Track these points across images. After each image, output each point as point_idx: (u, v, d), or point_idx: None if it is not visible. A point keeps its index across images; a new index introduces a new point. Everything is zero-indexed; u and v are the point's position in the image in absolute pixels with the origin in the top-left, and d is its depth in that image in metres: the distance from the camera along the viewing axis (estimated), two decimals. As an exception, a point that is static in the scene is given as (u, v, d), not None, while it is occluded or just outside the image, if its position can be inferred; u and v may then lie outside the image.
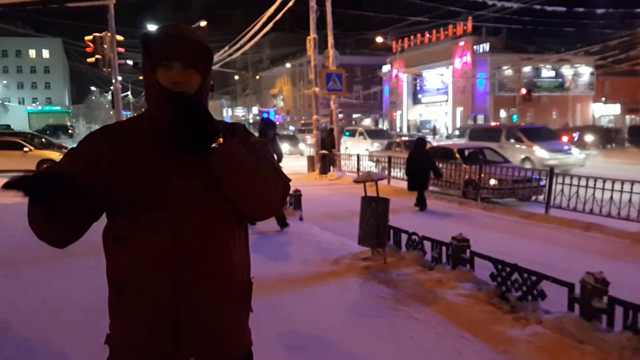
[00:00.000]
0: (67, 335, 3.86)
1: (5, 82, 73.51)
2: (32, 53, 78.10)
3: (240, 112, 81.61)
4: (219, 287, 1.50)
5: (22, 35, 63.61)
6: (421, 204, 10.29)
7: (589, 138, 26.98)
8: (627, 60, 34.95)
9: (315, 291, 5.01)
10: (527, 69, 41.62)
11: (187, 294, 1.45)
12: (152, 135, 1.47)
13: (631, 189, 8.06)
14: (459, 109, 44.67)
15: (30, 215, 1.38)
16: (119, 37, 17.72)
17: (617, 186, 8.32)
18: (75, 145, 1.58)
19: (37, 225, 1.40)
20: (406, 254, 5.77)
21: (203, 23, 25.98)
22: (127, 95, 65.89)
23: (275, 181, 1.51)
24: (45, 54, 78.67)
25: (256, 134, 2.16)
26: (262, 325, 3.50)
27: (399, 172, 13.79)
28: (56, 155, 16.17)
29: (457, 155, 12.39)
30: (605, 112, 47.80)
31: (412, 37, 47.49)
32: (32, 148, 16.58)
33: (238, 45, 23.72)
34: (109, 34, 17.22)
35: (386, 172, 14.45)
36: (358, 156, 16.71)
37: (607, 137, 30.30)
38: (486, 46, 41.88)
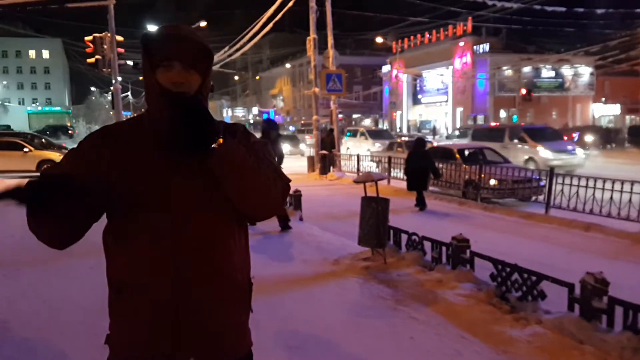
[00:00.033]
0: (67, 336, 3.86)
1: (5, 82, 73.52)
2: (32, 53, 78.11)
3: (240, 112, 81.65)
4: (219, 287, 1.50)
5: (22, 35, 63.63)
6: (421, 203, 10.31)
7: (588, 138, 26.98)
8: (627, 61, 34.98)
9: (315, 291, 5.02)
10: (527, 69, 41.62)
11: (187, 294, 1.45)
12: (152, 135, 1.47)
13: (631, 189, 8.06)
14: (459, 109, 44.68)
15: (29, 219, 1.38)
16: (119, 38, 17.72)
17: (617, 186, 8.32)
18: (75, 145, 1.59)
19: (37, 228, 1.40)
20: (406, 254, 5.78)
21: (203, 23, 25.98)
22: (127, 95, 65.93)
23: (275, 181, 1.51)
24: (45, 54, 78.68)
25: (258, 135, 2.16)
26: (262, 325, 3.50)
27: (399, 173, 13.79)
28: (56, 156, 16.16)
29: (457, 156, 12.40)
30: (605, 112, 47.81)
31: (412, 37, 47.51)
32: (32, 148, 16.57)
33: (238, 45, 23.74)
34: (109, 35, 17.23)
35: (387, 172, 14.46)
36: (358, 156, 16.71)
37: (607, 137, 30.31)
38: (486, 46, 41.88)
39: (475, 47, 42.30)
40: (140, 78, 30.34)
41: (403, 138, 23.65)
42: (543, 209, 9.49)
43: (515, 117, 39.87)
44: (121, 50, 18.22)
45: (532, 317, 3.99)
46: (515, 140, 17.23)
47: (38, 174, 1.61)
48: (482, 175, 11.08)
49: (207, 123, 1.38)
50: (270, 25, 19.01)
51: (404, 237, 5.98)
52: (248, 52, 31.92)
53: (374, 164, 16.58)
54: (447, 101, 46.21)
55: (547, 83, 43.28)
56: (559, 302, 4.03)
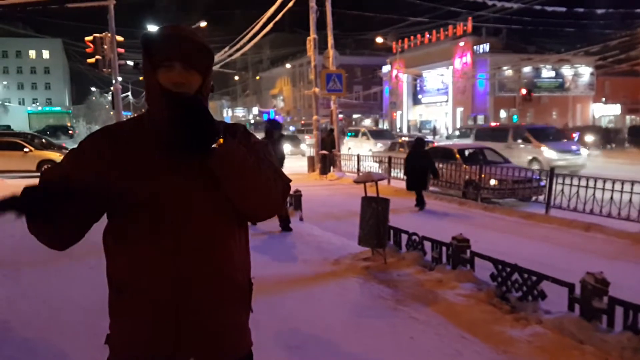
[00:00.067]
0: (67, 336, 3.87)
1: (5, 82, 73.54)
2: (32, 54, 78.13)
3: (240, 112, 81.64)
4: (219, 287, 1.50)
5: (23, 35, 63.63)
6: (420, 203, 10.33)
7: (589, 138, 26.98)
8: (627, 61, 34.98)
9: (315, 291, 5.02)
10: (527, 69, 41.60)
11: (187, 294, 1.45)
12: (153, 135, 1.48)
13: (631, 189, 8.06)
14: (459, 110, 44.67)
15: (29, 224, 1.38)
16: (119, 38, 17.73)
17: (617, 186, 8.32)
18: (75, 145, 1.59)
19: (37, 231, 1.39)
20: (406, 254, 5.78)
21: (203, 23, 26.00)
22: (128, 95, 65.93)
23: (276, 182, 1.51)
24: (46, 54, 78.71)
25: (260, 135, 2.15)
26: (262, 325, 3.50)
27: (399, 173, 13.78)
28: (56, 156, 16.17)
29: (457, 156, 12.40)
30: (606, 112, 47.79)
31: (412, 37, 47.49)
32: (32, 149, 16.58)
33: (238, 45, 23.76)
34: (109, 35, 17.24)
35: (388, 172, 14.45)
36: (358, 156, 16.71)
37: (607, 137, 30.28)
38: (486, 46, 41.87)
39: (475, 47, 42.29)
40: (141, 78, 30.34)
41: (404, 138, 23.65)
42: (543, 209, 9.49)
43: (515, 117, 39.84)
44: (121, 50, 18.23)
45: (533, 317, 3.99)
46: (519, 141, 17.14)
47: (38, 174, 1.60)
48: (483, 175, 11.08)
49: (207, 123, 1.38)
50: (271, 25, 19.02)
51: (404, 237, 5.98)
52: (248, 52, 31.92)
53: (376, 165, 16.56)
54: (447, 101, 46.19)
55: (547, 83, 43.27)
56: (559, 302, 4.03)
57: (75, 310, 4.38)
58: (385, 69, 52.21)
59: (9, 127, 42.61)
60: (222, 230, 1.51)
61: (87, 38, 17.01)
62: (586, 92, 44.43)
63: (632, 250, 7.06)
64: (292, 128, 46.32)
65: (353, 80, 51.95)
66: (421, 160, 10.33)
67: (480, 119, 40.82)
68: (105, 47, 16.93)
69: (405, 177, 11.08)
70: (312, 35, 16.80)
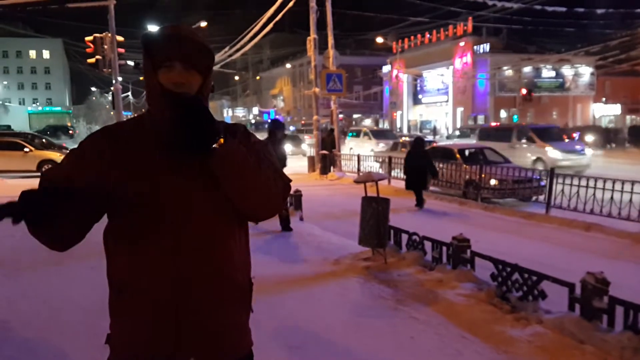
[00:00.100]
0: (67, 336, 3.87)
1: (5, 82, 73.56)
2: (32, 54, 78.13)
3: (240, 112, 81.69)
4: (219, 287, 1.50)
5: (23, 35, 63.63)
6: (419, 202, 10.34)
7: (589, 138, 26.96)
8: (628, 61, 34.98)
9: (315, 291, 5.02)
10: (527, 69, 41.61)
11: (188, 294, 1.45)
12: (153, 135, 1.48)
13: (631, 189, 8.07)
14: (459, 109, 44.67)
15: (29, 228, 1.37)
16: (120, 38, 17.73)
17: (618, 186, 8.32)
18: (76, 146, 1.59)
19: (37, 233, 1.39)
20: (407, 254, 5.77)
21: (203, 23, 25.99)
22: (128, 95, 65.93)
23: (276, 182, 1.51)
24: (46, 54, 78.73)
25: (262, 136, 2.15)
26: (262, 325, 3.50)
27: (399, 172, 13.78)
28: (57, 156, 16.18)
29: (458, 156, 12.40)
30: (606, 112, 47.79)
31: (412, 37, 47.49)
32: (32, 148, 16.59)
33: (238, 45, 23.75)
34: (110, 35, 17.24)
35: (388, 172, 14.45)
36: (359, 156, 16.70)
37: (608, 137, 30.30)
38: (486, 46, 41.86)
39: (475, 47, 42.28)
40: (141, 78, 30.37)
41: (404, 138, 23.64)
42: (543, 209, 9.49)
43: (515, 117, 39.87)
44: (122, 50, 18.23)
45: (533, 316, 3.99)
46: (523, 140, 16.97)
47: (39, 174, 1.60)
48: (483, 175, 11.08)
49: (207, 123, 1.38)
50: (271, 25, 19.02)
51: (405, 237, 5.98)
52: (248, 52, 31.93)
53: (377, 165, 16.54)
54: (447, 101, 46.19)
55: (548, 83, 43.27)
56: (560, 302, 4.03)
57: (75, 310, 4.38)
58: (386, 69, 52.22)
59: (9, 127, 42.65)
60: (222, 230, 1.51)
61: (88, 38, 17.01)
62: (586, 92, 44.43)
63: (632, 250, 7.06)
64: (292, 128, 46.35)
65: (353, 80, 51.95)
66: (420, 160, 10.34)
67: (481, 119, 40.81)
68: (106, 47, 16.93)
69: (404, 177, 11.09)
70: (312, 35, 16.80)
